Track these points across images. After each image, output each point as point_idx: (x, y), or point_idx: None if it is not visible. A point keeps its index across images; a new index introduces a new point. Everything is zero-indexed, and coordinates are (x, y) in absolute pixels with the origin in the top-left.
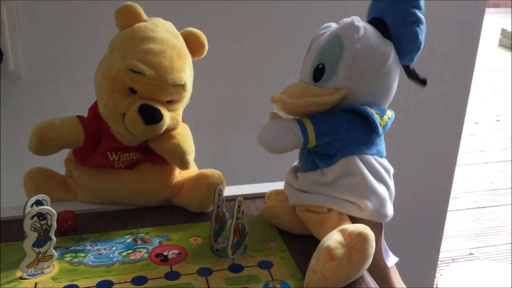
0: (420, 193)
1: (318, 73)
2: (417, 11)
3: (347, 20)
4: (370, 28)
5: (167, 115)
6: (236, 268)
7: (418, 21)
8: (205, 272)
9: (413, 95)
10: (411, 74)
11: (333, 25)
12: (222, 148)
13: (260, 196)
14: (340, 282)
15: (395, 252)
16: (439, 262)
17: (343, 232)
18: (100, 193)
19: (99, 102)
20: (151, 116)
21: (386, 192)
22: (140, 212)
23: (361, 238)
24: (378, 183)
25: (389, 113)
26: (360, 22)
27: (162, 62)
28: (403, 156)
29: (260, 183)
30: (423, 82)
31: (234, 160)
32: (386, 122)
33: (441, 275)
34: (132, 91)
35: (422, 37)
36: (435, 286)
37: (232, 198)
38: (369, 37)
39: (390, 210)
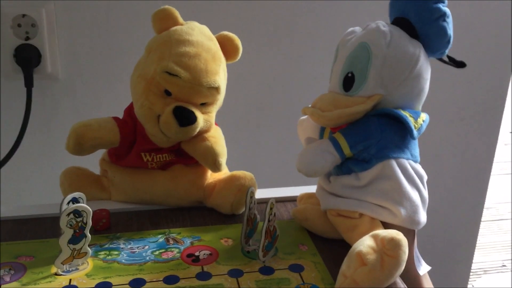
0: (454, 202)
1: (348, 82)
2: (441, 5)
3: (372, 25)
4: (396, 31)
5: (200, 117)
6: (267, 270)
7: (444, 16)
8: (236, 274)
9: (447, 100)
10: (446, 62)
11: (358, 30)
12: (254, 151)
13: (292, 200)
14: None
15: (427, 261)
16: (470, 273)
17: (375, 237)
18: (134, 193)
19: (135, 104)
20: (185, 118)
21: (419, 198)
22: (172, 213)
23: (394, 243)
24: (412, 189)
25: (424, 116)
26: (385, 27)
27: (197, 65)
28: (436, 163)
29: (291, 187)
30: (461, 65)
31: (266, 163)
32: (421, 125)
33: (473, 286)
34: (167, 93)
35: (451, 30)
36: None
37: (263, 201)
38: (396, 41)
39: (423, 217)
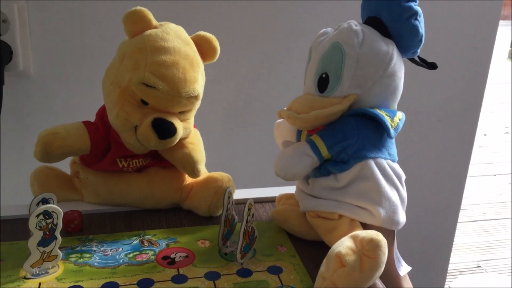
0: (430, 203)
1: (323, 83)
2: (412, 4)
3: (344, 25)
4: (368, 30)
5: (180, 128)
6: (244, 272)
7: (415, 15)
8: (213, 276)
9: (425, 102)
10: (418, 63)
11: (330, 31)
12: (232, 151)
13: (270, 200)
14: None
15: (404, 262)
16: (447, 274)
17: (354, 238)
18: (108, 196)
19: (109, 112)
20: (165, 130)
21: (398, 198)
22: (148, 214)
23: (373, 244)
24: (391, 189)
25: (400, 115)
26: (358, 26)
27: (175, 75)
28: (413, 164)
29: (270, 187)
30: (432, 66)
31: (244, 164)
32: (398, 123)
33: (449, 287)
34: (144, 102)
35: (422, 29)
36: None
37: (241, 202)
38: (369, 40)
39: (402, 217)
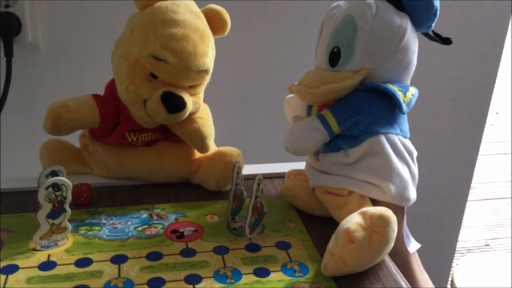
0: (441, 181)
1: (334, 57)
2: None
3: None
4: (382, 3)
5: (190, 102)
6: (253, 247)
7: None
8: (221, 251)
9: (438, 78)
10: (432, 38)
11: (343, 4)
12: (241, 127)
13: (280, 176)
14: (359, 266)
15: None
16: (455, 252)
17: (363, 214)
18: (117, 170)
19: (119, 86)
20: (174, 105)
21: (409, 174)
22: (157, 189)
23: (383, 221)
24: (402, 165)
25: (413, 90)
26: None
27: (185, 48)
28: (424, 141)
29: (279, 163)
30: (446, 41)
31: (253, 139)
32: (410, 99)
33: (457, 264)
34: (154, 76)
35: (437, 2)
36: (451, 275)
37: (250, 177)
38: (382, 13)
39: (413, 193)
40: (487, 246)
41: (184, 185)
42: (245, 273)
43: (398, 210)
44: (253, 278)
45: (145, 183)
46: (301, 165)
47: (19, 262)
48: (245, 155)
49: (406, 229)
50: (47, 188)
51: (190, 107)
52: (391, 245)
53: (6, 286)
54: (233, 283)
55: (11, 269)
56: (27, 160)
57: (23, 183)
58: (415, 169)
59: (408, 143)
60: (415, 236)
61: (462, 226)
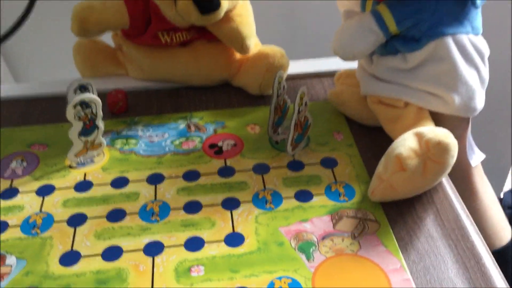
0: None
1: None
2: None
3: None
4: None
5: (225, 2)
6: (296, 165)
7: None
8: (261, 169)
9: None
10: None
11: None
12: (286, 21)
13: (329, 75)
14: (410, 193)
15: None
16: None
17: (419, 137)
18: (152, 71)
19: None
20: (207, 4)
21: (477, 80)
22: (195, 93)
23: (441, 148)
24: (470, 70)
25: None
26: None
27: None
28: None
29: (330, 57)
30: None
31: (300, 35)
32: None
33: None
34: None
35: None
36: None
37: (296, 77)
38: None
39: (480, 102)
40: None
41: (225, 88)
42: (286, 197)
43: (462, 121)
44: (294, 203)
45: (183, 86)
46: (353, 64)
47: (55, 181)
48: (291, 50)
49: (470, 139)
50: (75, 106)
51: (225, 6)
52: (448, 171)
53: (42, 210)
54: (273, 208)
55: (47, 190)
56: (62, 61)
57: (57, 87)
58: (485, 72)
59: (480, 41)
60: (480, 145)
61: None
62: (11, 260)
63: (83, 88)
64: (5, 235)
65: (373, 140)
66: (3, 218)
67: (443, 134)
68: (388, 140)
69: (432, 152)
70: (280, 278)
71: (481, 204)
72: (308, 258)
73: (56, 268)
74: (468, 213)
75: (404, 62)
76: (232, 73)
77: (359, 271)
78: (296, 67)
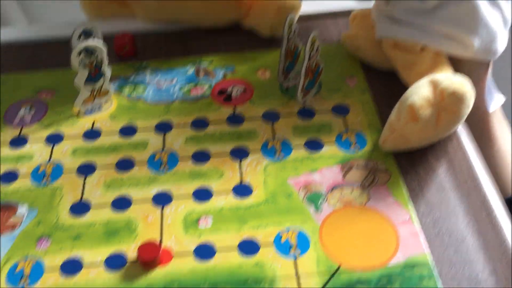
0: None
1: None
2: None
3: None
4: None
5: None
6: (306, 113)
7: None
8: (271, 117)
9: None
10: None
11: None
12: None
13: (345, 14)
14: (422, 143)
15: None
16: None
17: (434, 85)
18: (159, 12)
19: None
20: None
21: (500, 20)
22: (205, 35)
23: (456, 98)
24: (492, 11)
25: None
26: None
27: None
28: None
29: None
30: None
31: None
32: None
33: None
34: None
35: None
36: None
37: (309, 17)
38: None
39: (502, 44)
40: None
41: (235, 30)
42: (295, 146)
43: (482, 64)
44: (303, 153)
45: (192, 29)
46: (370, 4)
47: (64, 129)
48: None
49: (489, 84)
50: (78, 54)
51: None
52: (462, 121)
53: (51, 159)
54: (282, 158)
55: (56, 138)
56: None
57: (65, 30)
58: (508, 11)
59: None
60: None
61: None
62: (22, 209)
63: (87, 33)
64: (16, 184)
65: (387, 86)
66: (13, 167)
67: (459, 83)
68: (404, 86)
69: (446, 102)
70: (287, 230)
71: (499, 151)
72: (316, 210)
73: (66, 218)
74: (483, 163)
75: (422, 2)
76: (242, 13)
77: (367, 224)
78: (309, 6)
